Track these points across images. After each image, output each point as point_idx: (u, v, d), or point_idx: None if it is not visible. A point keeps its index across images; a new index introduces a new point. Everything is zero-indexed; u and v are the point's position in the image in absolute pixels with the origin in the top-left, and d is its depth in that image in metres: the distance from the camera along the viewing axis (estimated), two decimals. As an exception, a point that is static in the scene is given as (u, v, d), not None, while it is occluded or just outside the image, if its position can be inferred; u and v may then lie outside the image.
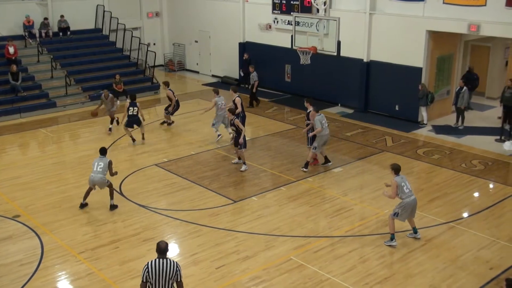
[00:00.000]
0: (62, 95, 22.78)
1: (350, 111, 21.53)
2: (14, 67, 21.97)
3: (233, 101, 17.12)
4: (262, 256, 11.03)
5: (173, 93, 19.47)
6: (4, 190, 14.39)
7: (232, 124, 15.36)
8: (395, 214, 11.18)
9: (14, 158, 16.94)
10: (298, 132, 18.90)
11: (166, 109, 19.69)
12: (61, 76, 23.52)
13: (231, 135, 15.89)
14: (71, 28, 26.01)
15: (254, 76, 22.16)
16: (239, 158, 15.79)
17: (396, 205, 11.24)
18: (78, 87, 23.59)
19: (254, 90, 22.26)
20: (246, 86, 25.20)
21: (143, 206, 13.32)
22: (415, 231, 11.56)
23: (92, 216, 12.80)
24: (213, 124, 17.85)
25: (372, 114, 20.89)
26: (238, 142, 15.24)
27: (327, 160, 15.71)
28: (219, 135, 17.95)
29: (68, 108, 22.22)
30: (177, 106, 19.50)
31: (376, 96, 20.99)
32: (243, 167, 15.49)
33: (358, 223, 12.40)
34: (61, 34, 25.82)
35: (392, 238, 11.28)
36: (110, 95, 19.35)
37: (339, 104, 22.22)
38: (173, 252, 11.43)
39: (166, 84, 19.70)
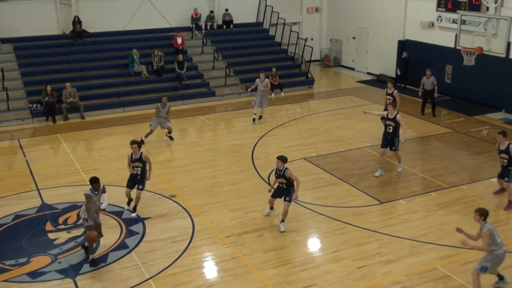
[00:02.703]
0: (221, 85, 23.93)
1: (515, 118, 20.01)
2: (180, 57, 23.52)
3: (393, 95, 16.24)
4: (405, 261, 10.70)
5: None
6: (163, 171, 15.49)
7: (281, 176, 11.80)
8: (483, 269, 9.30)
9: (174, 142, 18.12)
10: (454, 136, 18.01)
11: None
12: (222, 67, 24.69)
13: (277, 185, 12.11)
14: (234, 21, 27.17)
15: (433, 80, 19.92)
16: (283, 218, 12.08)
17: (483, 258, 9.50)
18: (236, 78, 24.59)
19: (435, 95, 20.08)
20: (403, 85, 24.55)
21: (289, 198, 13.54)
22: (500, 277, 9.82)
23: (240, 202, 13.30)
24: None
25: (541, 122, 19.23)
26: (290, 196, 11.89)
27: None
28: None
29: (225, 98, 23.27)
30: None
31: (547, 104, 19.26)
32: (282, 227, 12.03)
33: (515, 239, 11.52)
34: (224, 27, 27.09)
35: None
36: (168, 103, 17.57)
37: (503, 110, 20.70)
38: (314, 247, 11.52)
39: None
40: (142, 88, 22.80)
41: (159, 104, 17.51)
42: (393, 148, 14.68)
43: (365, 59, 28.07)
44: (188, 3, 26.44)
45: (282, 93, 23.70)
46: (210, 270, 10.74)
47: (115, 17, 25.11)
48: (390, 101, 16.76)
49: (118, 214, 12.71)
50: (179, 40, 24.56)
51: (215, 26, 26.82)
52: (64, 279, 10.24)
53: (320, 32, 30.61)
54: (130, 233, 11.88)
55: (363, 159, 16.21)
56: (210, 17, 26.69)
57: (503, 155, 12.63)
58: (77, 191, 13.97)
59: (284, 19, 27.11)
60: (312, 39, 29.81)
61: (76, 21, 24.04)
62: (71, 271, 10.45)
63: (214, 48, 25.56)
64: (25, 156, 16.81)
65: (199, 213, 12.80)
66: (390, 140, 14.64)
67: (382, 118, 15.62)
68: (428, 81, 20.02)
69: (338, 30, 29.66)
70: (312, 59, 26.82)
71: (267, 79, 19.79)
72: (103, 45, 24.62)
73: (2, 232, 11.98)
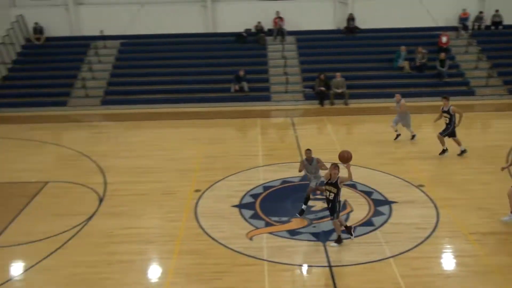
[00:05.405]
0: (482, 85, 22.35)
1: None
2: (442, 55, 22.59)
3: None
4: None
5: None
6: (413, 161, 15.10)
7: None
8: None
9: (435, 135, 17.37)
10: None
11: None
12: (485, 67, 23.00)
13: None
14: (505, 22, 24.88)
15: None
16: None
17: None
18: (499, 80, 22.67)
19: None
20: None
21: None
22: None
23: (489, 203, 12.24)
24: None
25: None
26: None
27: None
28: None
29: (485, 98, 21.66)
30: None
31: None
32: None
33: None
34: (493, 27, 25.02)
35: None
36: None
37: None
38: None
39: None
40: (403, 82, 22.56)
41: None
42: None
43: None
44: (457, 3, 25.08)
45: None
46: (449, 262, 10.26)
47: (385, 15, 25.16)
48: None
49: (368, 194, 12.94)
50: (444, 39, 23.57)
51: (483, 27, 24.95)
52: (316, 241, 10.83)
53: None
54: (377, 213, 12.01)
55: None
56: (479, 18, 24.90)
57: None
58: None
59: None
60: None
61: (350, 18, 24.75)
62: (322, 236, 11.01)
63: (479, 48, 23.84)
64: (295, 132, 18.16)
65: (445, 205, 12.24)
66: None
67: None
68: None
69: None
70: None
71: (403, 100, 16.45)
72: (371, 40, 24.93)
73: (271, 193, 13.20)
